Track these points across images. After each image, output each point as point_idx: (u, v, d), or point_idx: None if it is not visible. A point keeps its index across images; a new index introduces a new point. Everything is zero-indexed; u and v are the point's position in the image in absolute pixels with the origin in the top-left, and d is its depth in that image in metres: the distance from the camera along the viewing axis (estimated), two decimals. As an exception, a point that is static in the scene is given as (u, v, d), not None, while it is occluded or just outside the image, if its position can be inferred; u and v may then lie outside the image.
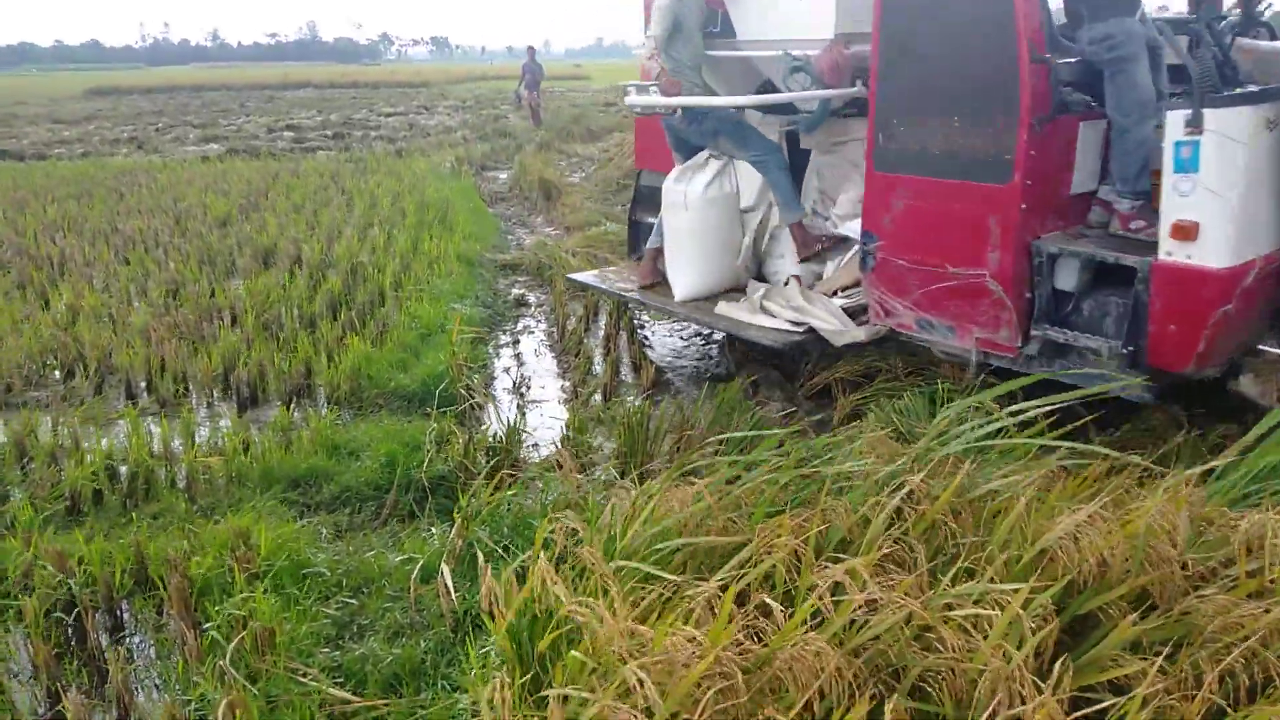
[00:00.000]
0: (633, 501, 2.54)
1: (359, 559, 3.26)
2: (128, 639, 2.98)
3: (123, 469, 3.91)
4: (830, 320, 4.42)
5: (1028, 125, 3.54)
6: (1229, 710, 1.80)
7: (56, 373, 5.29)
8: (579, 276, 5.87)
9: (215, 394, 5.00)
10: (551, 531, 2.63)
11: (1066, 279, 3.71)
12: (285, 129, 21.37)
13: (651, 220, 5.57)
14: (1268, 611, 1.97)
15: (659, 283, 5.29)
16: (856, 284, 4.53)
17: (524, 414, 4.71)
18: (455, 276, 7.08)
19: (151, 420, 4.52)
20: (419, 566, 3.00)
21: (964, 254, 3.82)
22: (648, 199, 5.84)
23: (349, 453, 4.07)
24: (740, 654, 1.98)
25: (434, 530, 3.39)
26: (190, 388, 5.07)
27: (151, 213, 9.84)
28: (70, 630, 2.93)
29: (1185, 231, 3.28)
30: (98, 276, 7.22)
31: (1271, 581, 2.13)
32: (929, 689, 1.98)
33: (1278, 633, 1.98)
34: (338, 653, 2.75)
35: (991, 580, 2.10)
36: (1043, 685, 1.81)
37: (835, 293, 4.64)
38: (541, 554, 2.34)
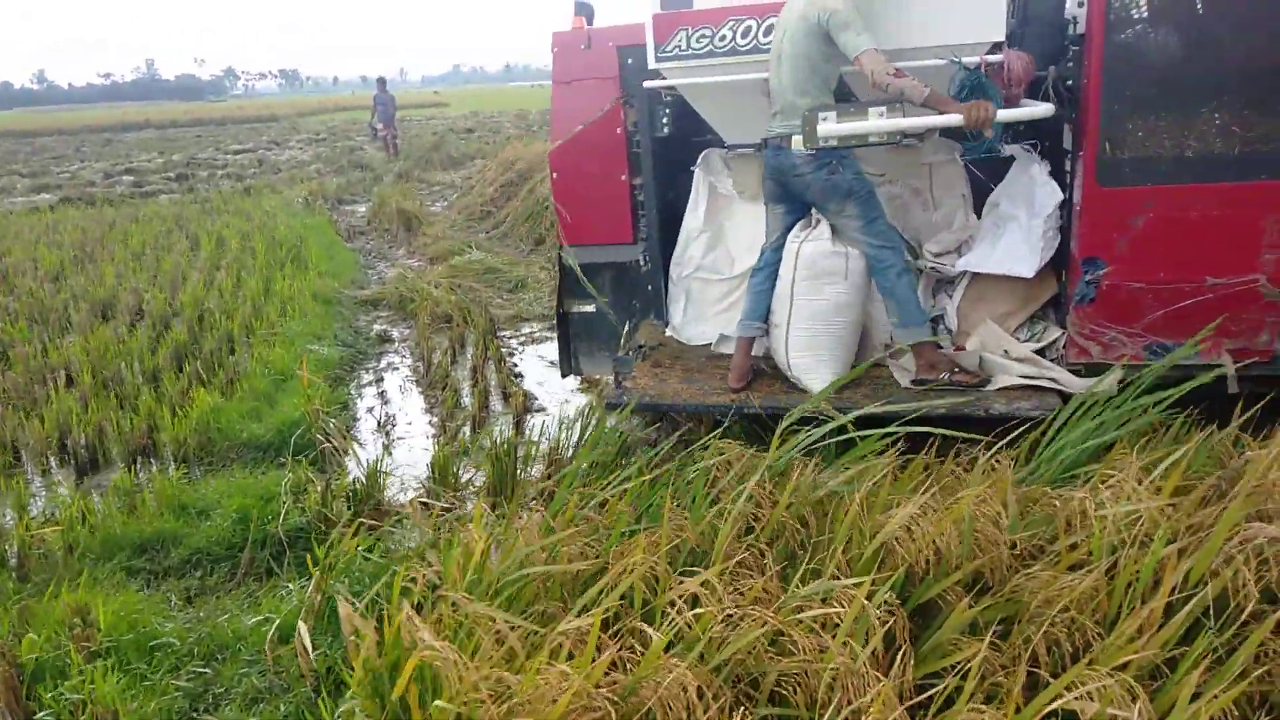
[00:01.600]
0: (488, 537, 2.51)
1: (212, 624, 3.09)
2: (-50, 740, 2.74)
3: (-58, 551, 3.60)
4: (1058, 370, 3.77)
5: None
6: (1050, 679, 1.91)
7: None
8: (630, 400, 3.87)
9: (50, 461, 4.67)
10: (411, 577, 2.57)
11: None
12: (124, 173, 20.32)
13: (588, 310, 4.64)
14: (1082, 581, 2.10)
15: (753, 380, 3.97)
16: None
17: (390, 453, 4.60)
18: (311, 316, 6.85)
19: (-24, 496, 4.18)
20: (275, 626, 2.87)
21: (1229, 261, 3.53)
22: (616, 283, 4.64)
23: (199, 512, 3.87)
24: (609, 685, 1.98)
25: (291, 587, 3.26)
26: (22, 456, 4.72)
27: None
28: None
29: None
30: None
31: (1088, 553, 2.28)
32: (785, 693, 2.03)
33: (1093, 599, 2.13)
34: (191, 727, 2.60)
35: (835, 578, 2.17)
36: (882, 678, 1.88)
37: (1014, 333, 3.94)
38: (403, 600, 2.29)
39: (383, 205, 12.36)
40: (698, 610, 2.13)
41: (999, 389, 3.62)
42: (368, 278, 8.95)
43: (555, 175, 4.45)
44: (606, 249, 4.53)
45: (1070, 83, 3.64)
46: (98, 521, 3.76)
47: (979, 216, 4.23)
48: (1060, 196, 3.76)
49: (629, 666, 2.08)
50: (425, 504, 3.61)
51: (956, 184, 4.32)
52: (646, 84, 4.10)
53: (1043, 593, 2.15)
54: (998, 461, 2.80)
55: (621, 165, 4.35)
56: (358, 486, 3.83)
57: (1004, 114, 3.37)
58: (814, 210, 3.83)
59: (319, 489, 3.75)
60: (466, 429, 4.88)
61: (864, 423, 3.11)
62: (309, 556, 3.14)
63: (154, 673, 2.80)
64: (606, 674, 2.00)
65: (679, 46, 3.84)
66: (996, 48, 3.61)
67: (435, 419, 5.11)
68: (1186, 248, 3.53)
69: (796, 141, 3.57)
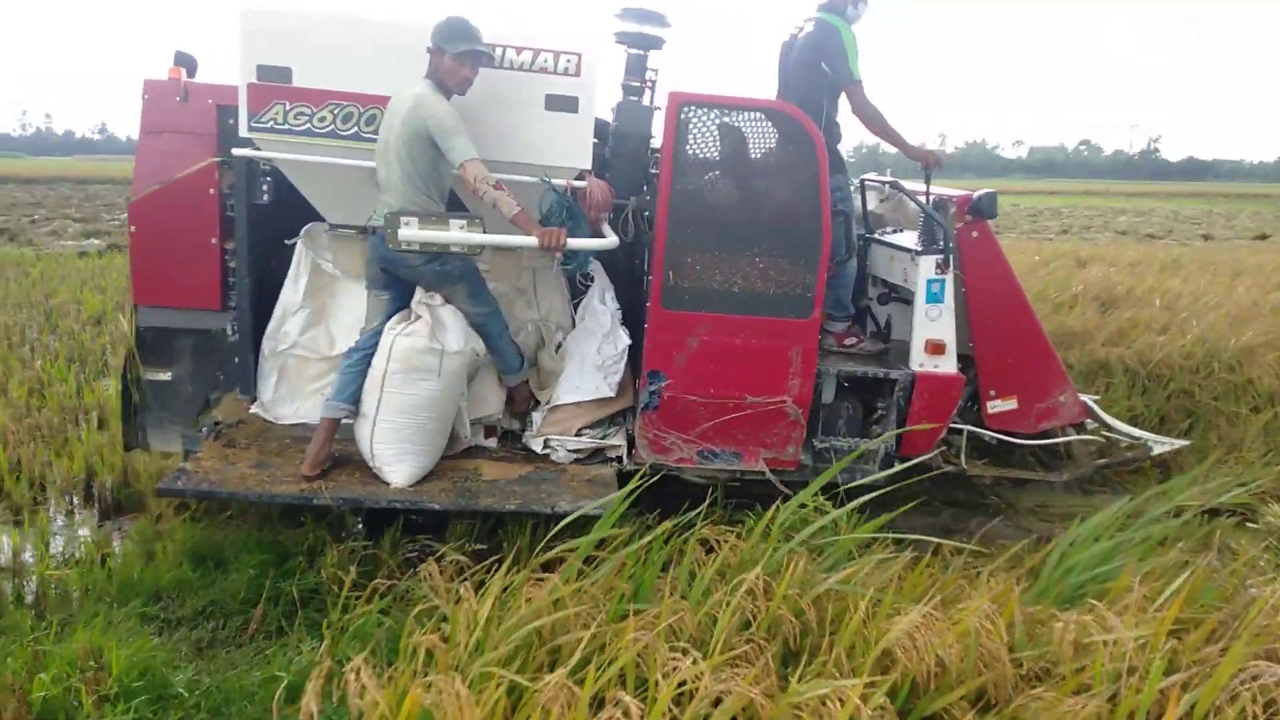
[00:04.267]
0: (491, 603, 2.57)
1: (221, 678, 3.13)
2: (-46, 775, 2.77)
3: (-36, 584, 3.67)
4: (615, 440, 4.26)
5: (825, 267, 4.04)
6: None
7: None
8: (180, 485, 3.68)
9: (75, 500, 4.77)
10: (418, 636, 2.61)
11: (828, 394, 4.36)
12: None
13: (163, 378, 4.32)
14: (1085, 705, 2.12)
15: (330, 468, 3.89)
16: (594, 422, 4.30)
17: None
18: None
19: (2, 529, 4.27)
20: (284, 686, 2.91)
21: (766, 383, 4.10)
22: (158, 348, 4.31)
23: (216, 564, 3.93)
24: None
25: (302, 647, 3.30)
26: (48, 493, 4.82)
27: (19, 307, 9.41)
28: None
29: (937, 348, 4.28)
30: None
31: (1090, 678, 2.30)
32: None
33: (1095, 726, 2.14)
34: (191, 780, 2.62)
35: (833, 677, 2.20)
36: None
37: (579, 432, 4.27)
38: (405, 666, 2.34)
39: None
40: (691, 687, 2.17)
41: (565, 489, 3.88)
42: None
43: (134, 229, 4.14)
44: (190, 314, 4.27)
45: (647, 214, 4.16)
46: (116, 566, 3.83)
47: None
48: (619, 334, 4.29)
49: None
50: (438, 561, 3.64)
51: (556, 288, 4.68)
52: (236, 151, 3.98)
53: (1046, 715, 2.16)
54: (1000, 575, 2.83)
55: (213, 228, 4.16)
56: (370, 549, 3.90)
57: (573, 242, 3.70)
58: (414, 305, 3.93)
59: (337, 551, 3.81)
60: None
61: None
62: (325, 623, 3.19)
63: (160, 722, 2.84)
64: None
65: (275, 120, 3.84)
66: (584, 175, 4.01)
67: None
68: (731, 369, 4.09)
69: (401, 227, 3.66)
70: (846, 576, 2.70)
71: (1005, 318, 4.48)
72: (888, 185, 5.14)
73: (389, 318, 3.94)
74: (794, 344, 4.07)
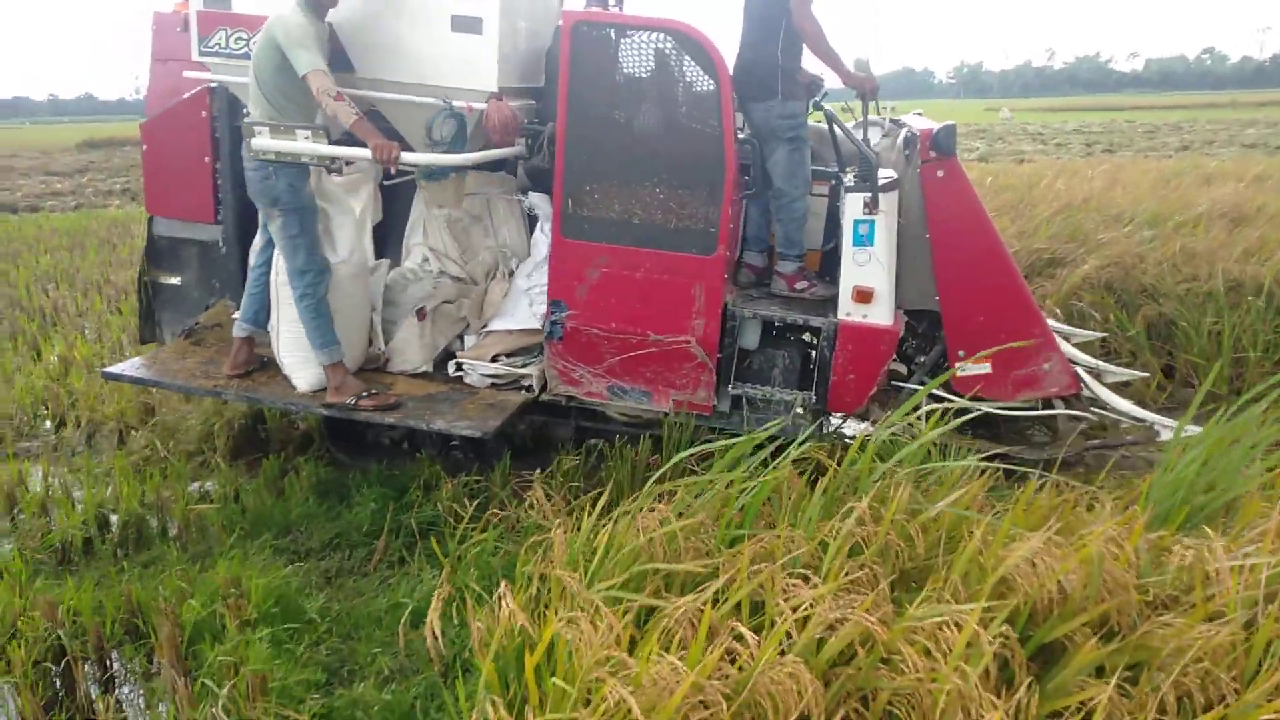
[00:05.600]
0: (602, 530, 2.63)
1: (349, 605, 3.32)
2: (118, 688, 3.02)
3: (114, 518, 3.96)
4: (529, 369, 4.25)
5: (731, 200, 3.82)
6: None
7: (48, 423, 5.34)
8: (120, 370, 4.30)
9: (209, 443, 5.05)
10: (531, 566, 2.70)
11: (749, 339, 4.11)
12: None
13: (174, 282, 4.76)
14: (1218, 633, 2.05)
15: (255, 370, 4.25)
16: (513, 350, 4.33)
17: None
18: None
19: (146, 469, 4.57)
20: (409, 612, 3.06)
21: (668, 321, 3.93)
22: (168, 255, 4.75)
23: (340, 499, 4.14)
24: (721, 678, 2.05)
25: (423, 576, 3.45)
26: (183, 436, 5.12)
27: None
28: (59, 681, 2.97)
29: (864, 295, 3.91)
30: (90, 327, 7.30)
31: (1222, 606, 2.21)
32: (896, 712, 2.05)
33: (1229, 652, 2.06)
34: (329, 698, 2.80)
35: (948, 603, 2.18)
36: (997, 702, 1.88)
37: (495, 358, 4.28)
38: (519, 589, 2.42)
39: None
40: (807, 613, 2.18)
41: (457, 410, 3.93)
42: None
43: (145, 147, 4.61)
44: (192, 226, 4.65)
45: None
46: (249, 502, 4.07)
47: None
48: (544, 255, 4.15)
49: (737, 663, 2.13)
50: (548, 495, 3.73)
51: (512, 216, 4.66)
52: (186, 74, 4.31)
53: (1175, 642, 2.10)
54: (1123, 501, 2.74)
55: (205, 148, 4.50)
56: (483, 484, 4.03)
57: (407, 156, 3.67)
58: None
59: (450, 486, 3.96)
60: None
61: None
62: (437, 547, 3.33)
63: (297, 646, 3.03)
64: (717, 669, 2.07)
65: (219, 44, 4.05)
66: (492, 98, 3.87)
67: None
68: (632, 303, 3.94)
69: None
70: (958, 500, 2.64)
71: (977, 269, 3.99)
72: (818, 110, 4.57)
73: (265, 226, 4.10)
74: (696, 281, 3.86)
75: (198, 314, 4.74)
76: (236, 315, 4.42)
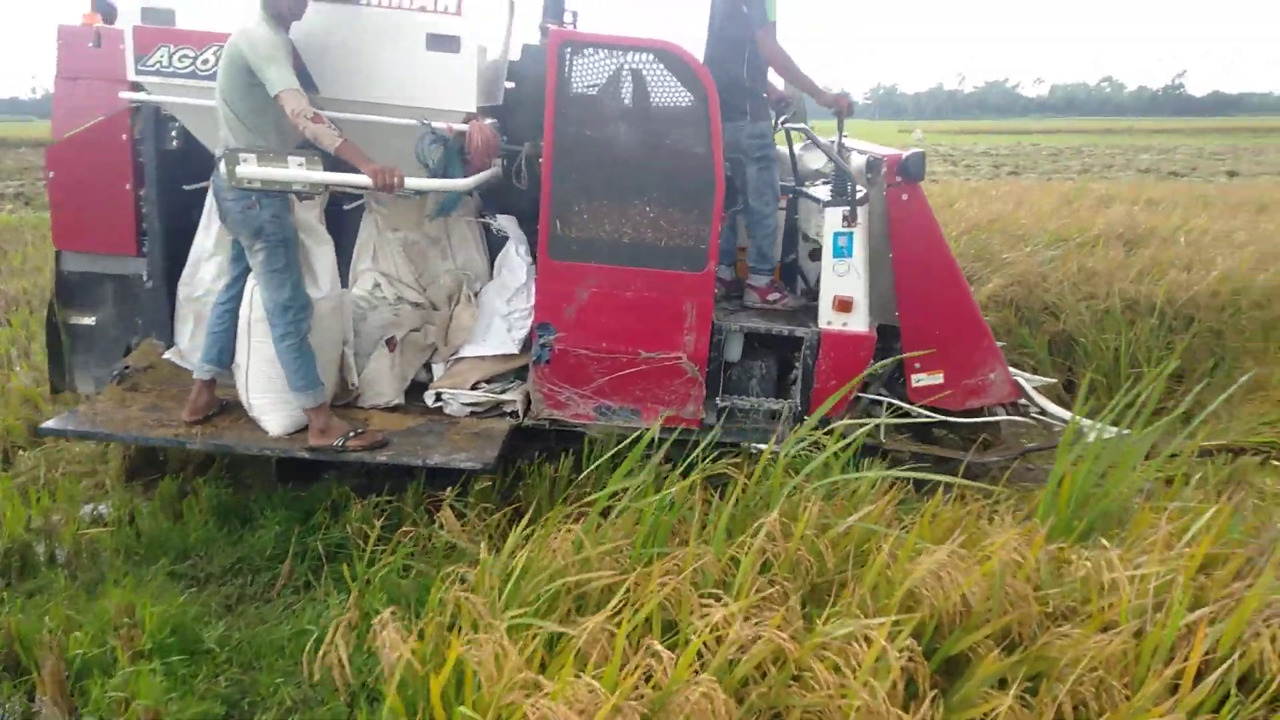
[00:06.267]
0: (515, 551, 2.60)
1: (251, 633, 3.19)
2: (-5, 729, 2.84)
3: (-4, 546, 3.73)
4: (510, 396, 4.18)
5: (720, 218, 3.88)
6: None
7: (-74, 444, 5.01)
8: (60, 425, 3.88)
9: (102, 463, 4.82)
10: (446, 589, 2.64)
11: (734, 352, 4.21)
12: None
13: (88, 323, 4.37)
14: (1111, 642, 2.12)
15: (215, 414, 3.97)
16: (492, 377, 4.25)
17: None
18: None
19: (32, 492, 4.32)
20: (313, 639, 2.95)
21: (659, 338, 3.96)
22: (81, 292, 4.35)
23: (242, 522, 3.98)
24: (637, 698, 2.04)
25: (329, 601, 3.34)
26: (73, 455, 4.87)
27: (38, 271, 9.46)
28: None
29: (845, 304, 4.08)
30: (-25, 342, 6.89)
31: (1116, 616, 2.29)
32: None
33: (1120, 660, 2.14)
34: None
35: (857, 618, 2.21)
36: (905, 717, 1.91)
37: (475, 386, 4.20)
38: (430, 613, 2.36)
39: None
40: (719, 633, 2.18)
41: (446, 442, 3.82)
42: None
43: (52, 174, 4.19)
44: (110, 259, 4.31)
45: (541, 160, 3.88)
46: (145, 525, 3.88)
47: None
48: (533, 288, 4.10)
49: (651, 680, 2.12)
50: (461, 515, 3.66)
51: (471, 239, 4.55)
52: (123, 95, 3.97)
53: (1071, 652, 2.16)
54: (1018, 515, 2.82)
55: (126, 174, 4.19)
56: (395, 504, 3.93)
57: (411, 181, 3.51)
58: None
59: (359, 506, 3.85)
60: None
61: None
62: (345, 570, 3.23)
63: (195, 677, 2.89)
64: (634, 688, 2.05)
65: (161, 63, 3.78)
66: (470, 118, 3.80)
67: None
68: (623, 322, 3.93)
69: (222, 163, 3.51)
70: (867, 514, 2.69)
71: (934, 286, 4.23)
72: (800, 131, 4.80)
73: (236, 259, 3.86)
74: (687, 297, 3.91)
75: (116, 356, 4.39)
76: (168, 354, 4.23)
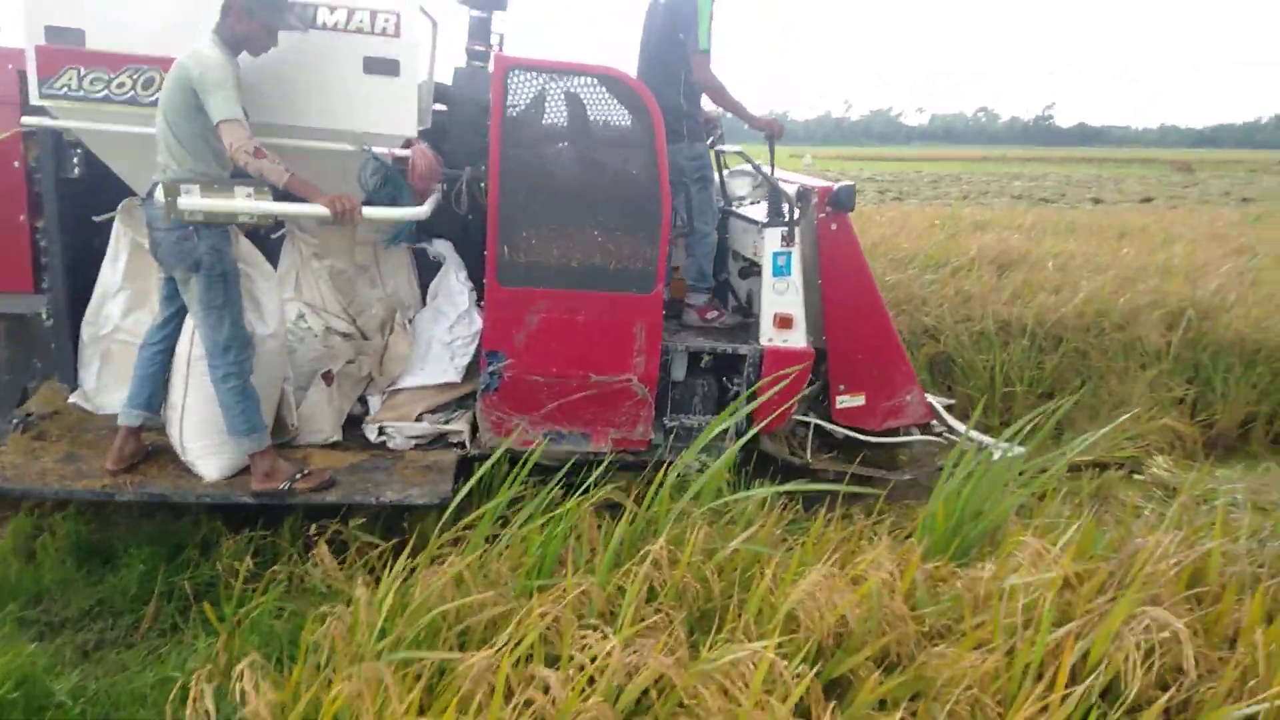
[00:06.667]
0: (395, 587, 2.51)
1: (109, 682, 2.98)
2: None
3: None
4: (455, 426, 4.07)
5: (662, 239, 3.91)
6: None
7: None
8: None
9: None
10: (322, 630, 2.53)
11: (678, 371, 4.30)
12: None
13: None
14: (985, 661, 2.18)
15: (139, 461, 3.69)
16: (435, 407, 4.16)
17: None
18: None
19: None
20: (178, 686, 2.77)
21: (610, 361, 3.97)
22: (12, 337, 4.08)
23: (103, 561, 3.73)
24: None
25: (197, 644, 3.15)
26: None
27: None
28: None
29: (785, 321, 4.22)
30: None
31: (990, 634, 2.36)
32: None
33: (993, 679, 2.20)
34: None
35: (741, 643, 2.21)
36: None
37: (419, 417, 4.09)
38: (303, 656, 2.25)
39: None
40: (599, 664, 2.15)
41: (397, 477, 3.69)
42: None
43: None
44: (1, 297, 3.99)
45: (483, 185, 3.90)
46: (-8, 567, 3.60)
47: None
48: (475, 315, 4.15)
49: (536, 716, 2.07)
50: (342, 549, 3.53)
51: (401, 266, 4.50)
52: (26, 120, 3.68)
53: (948, 671, 2.21)
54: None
55: (20, 205, 3.89)
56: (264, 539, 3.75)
57: (369, 212, 3.42)
58: None
59: (230, 542, 3.66)
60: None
61: None
62: (211, 611, 3.05)
63: (41, 733, 2.68)
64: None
65: (69, 86, 3.52)
66: (410, 142, 3.76)
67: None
68: (574, 346, 3.94)
69: (159, 192, 3.32)
70: (753, 536, 2.71)
71: (859, 313, 4.43)
72: (737, 154, 5.05)
73: (170, 297, 3.59)
74: (637, 319, 3.95)
75: (9, 403, 4.05)
76: (73, 397, 3.94)
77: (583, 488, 3.11)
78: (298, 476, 3.58)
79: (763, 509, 3.26)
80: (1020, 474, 3.52)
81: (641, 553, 2.50)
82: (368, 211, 3.40)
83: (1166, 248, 10.00)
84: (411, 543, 3.08)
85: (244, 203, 3.29)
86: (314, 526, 3.58)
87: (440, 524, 2.91)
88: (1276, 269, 8.88)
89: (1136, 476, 5.19)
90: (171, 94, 3.26)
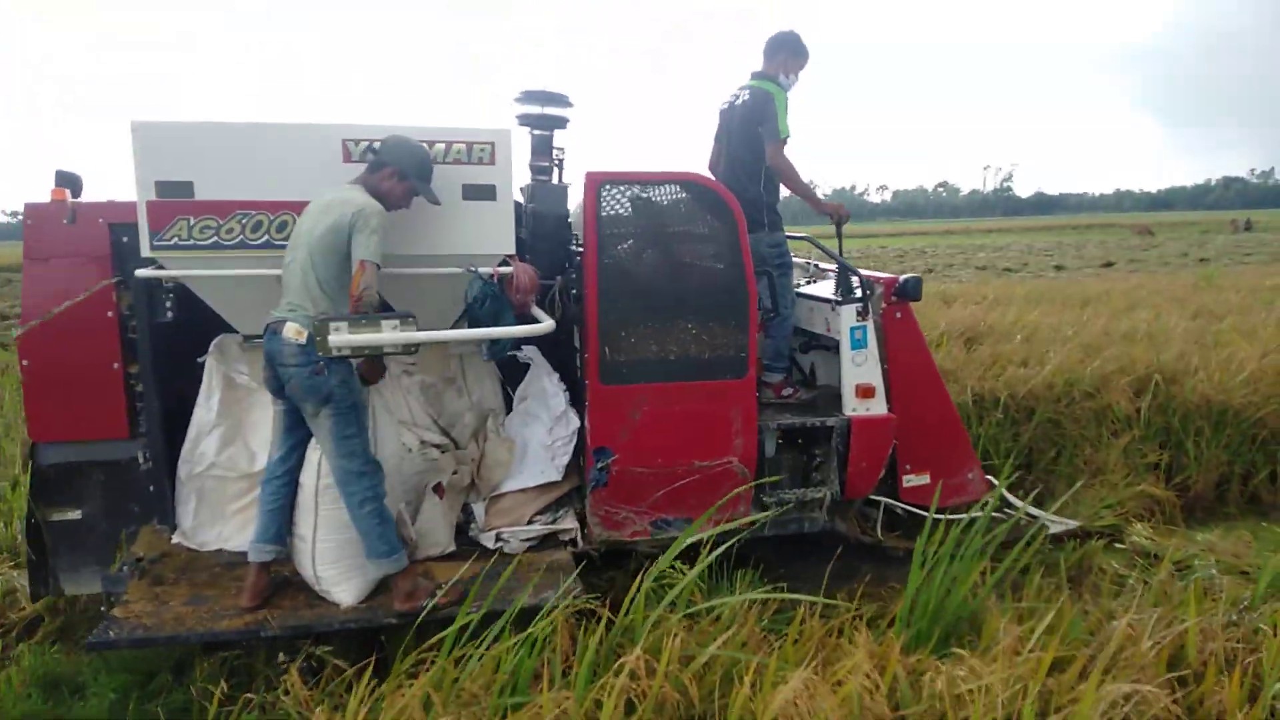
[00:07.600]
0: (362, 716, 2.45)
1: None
2: None
3: None
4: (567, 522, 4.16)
5: (751, 326, 4.15)
6: None
7: None
8: (110, 637, 3.28)
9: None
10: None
11: (770, 448, 4.42)
12: None
13: (72, 517, 3.99)
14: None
15: (271, 596, 3.60)
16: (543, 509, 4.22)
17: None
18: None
19: None
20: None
21: (711, 447, 4.13)
22: (63, 486, 3.97)
23: (72, 690, 3.62)
24: None
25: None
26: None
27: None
28: None
29: (867, 391, 4.43)
30: None
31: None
32: None
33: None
34: None
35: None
36: None
37: (531, 519, 4.14)
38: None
39: None
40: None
41: (519, 581, 3.61)
42: None
43: (26, 363, 3.86)
44: (94, 446, 3.98)
45: (575, 291, 4.16)
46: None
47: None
48: (571, 415, 4.28)
49: None
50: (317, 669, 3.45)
51: (487, 374, 4.61)
52: (140, 272, 3.73)
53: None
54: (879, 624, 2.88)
55: (114, 353, 3.94)
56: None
57: (501, 331, 3.67)
58: None
59: (204, 664, 3.57)
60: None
61: None
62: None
63: None
64: None
65: (179, 235, 3.62)
66: (508, 260, 3.99)
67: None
68: (676, 436, 4.11)
69: (290, 329, 3.36)
70: (731, 638, 2.68)
71: (923, 395, 4.66)
72: (803, 240, 5.38)
73: (291, 431, 3.61)
74: (734, 404, 4.13)
75: (107, 551, 4.00)
76: (174, 537, 3.96)
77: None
78: (437, 594, 3.51)
79: (747, 608, 3.22)
80: (1001, 545, 3.52)
81: (618, 665, 2.47)
82: (499, 331, 3.68)
83: (1129, 314, 10.20)
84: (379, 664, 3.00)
85: (392, 334, 3.29)
86: (281, 655, 3.48)
87: (404, 644, 2.83)
88: (1233, 330, 9.07)
89: (1118, 545, 5.19)
90: (324, 235, 3.36)
